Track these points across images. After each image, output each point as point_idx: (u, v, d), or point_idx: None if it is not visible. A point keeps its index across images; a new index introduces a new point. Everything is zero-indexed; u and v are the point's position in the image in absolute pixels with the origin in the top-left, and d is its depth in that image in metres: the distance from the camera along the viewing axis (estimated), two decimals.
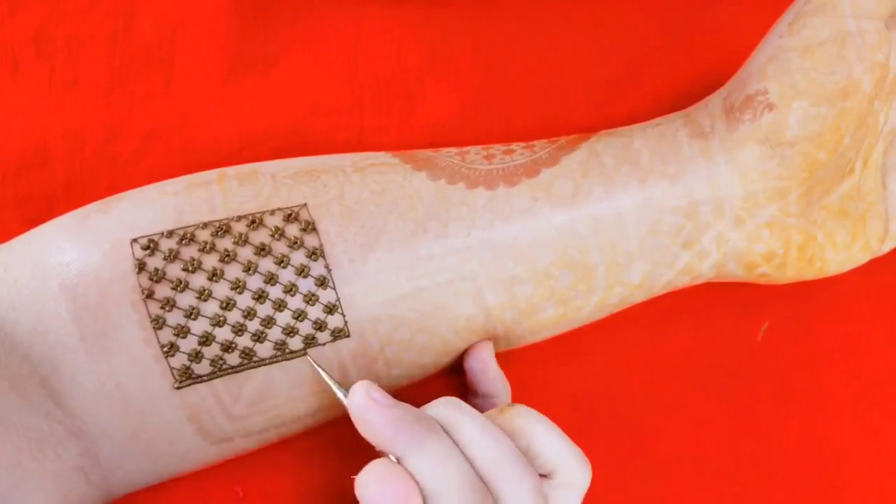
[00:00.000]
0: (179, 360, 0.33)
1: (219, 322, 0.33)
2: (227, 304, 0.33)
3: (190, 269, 0.33)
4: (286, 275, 0.34)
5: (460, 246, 0.35)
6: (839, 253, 0.38)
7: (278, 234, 0.34)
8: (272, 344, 0.34)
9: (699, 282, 0.39)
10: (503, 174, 0.36)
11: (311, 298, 0.34)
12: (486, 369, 0.37)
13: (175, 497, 0.38)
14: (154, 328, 0.33)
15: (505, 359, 0.38)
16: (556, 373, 0.42)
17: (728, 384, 0.42)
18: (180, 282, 0.33)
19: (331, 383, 0.34)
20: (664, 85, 0.44)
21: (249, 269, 0.34)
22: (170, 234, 0.34)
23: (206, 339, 0.33)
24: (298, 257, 0.34)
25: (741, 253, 0.37)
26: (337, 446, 0.40)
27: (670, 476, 0.41)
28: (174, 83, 0.42)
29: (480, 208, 0.36)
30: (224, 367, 0.33)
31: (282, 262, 0.34)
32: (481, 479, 0.32)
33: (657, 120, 0.39)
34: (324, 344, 0.34)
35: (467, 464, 0.31)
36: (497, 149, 0.38)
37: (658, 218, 0.36)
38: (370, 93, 0.43)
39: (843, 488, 0.42)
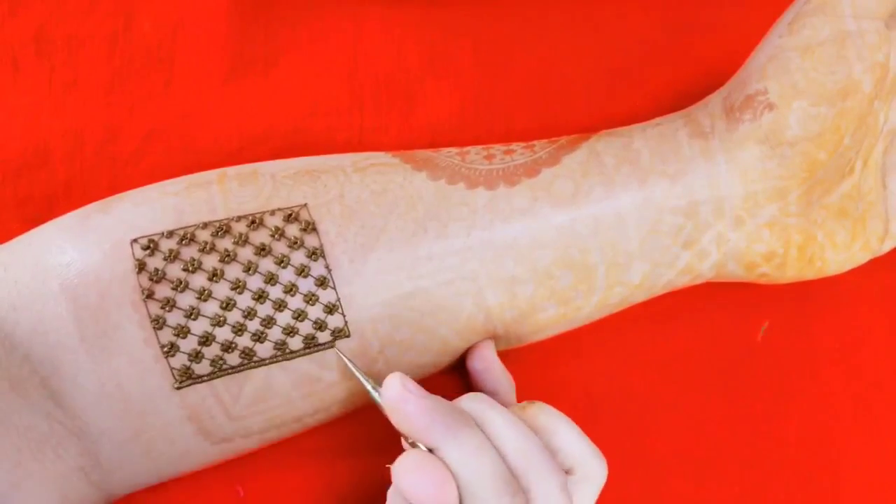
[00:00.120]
0: (179, 360, 0.33)
1: (219, 322, 0.33)
2: (228, 305, 0.33)
3: (190, 269, 0.33)
4: (286, 275, 0.34)
5: (460, 246, 0.35)
6: (839, 253, 0.38)
7: (278, 234, 0.34)
8: (272, 344, 0.34)
9: (699, 282, 0.39)
10: (503, 174, 0.36)
11: (311, 298, 0.34)
12: (491, 368, 0.37)
13: (175, 497, 0.38)
14: (154, 328, 0.33)
15: (505, 358, 0.38)
16: (556, 372, 0.42)
17: (728, 384, 0.42)
18: (180, 282, 0.33)
19: (360, 376, 0.34)
20: (664, 85, 0.44)
21: (249, 269, 0.34)
22: (170, 234, 0.34)
23: (207, 340, 0.33)
24: (298, 257, 0.34)
25: (741, 253, 0.37)
26: (337, 446, 0.40)
27: (670, 476, 0.41)
28: (174, 83, 0.42)
29: (481, 208, 0.36)
30: (224, 367, 0.33)
31: (282, 262, 0.34)
32: (511, 472, 0.32)
33: (657, 120, 0.39)
34: (324, 344, 0.34)
35: (499, 457, 0.32)
36: (497, 149, 0.38)
37: (658, 218, 0.36)
38: (370, 93, 0.43)
39: (843, 488, 0.42)
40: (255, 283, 0.34)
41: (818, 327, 0.43)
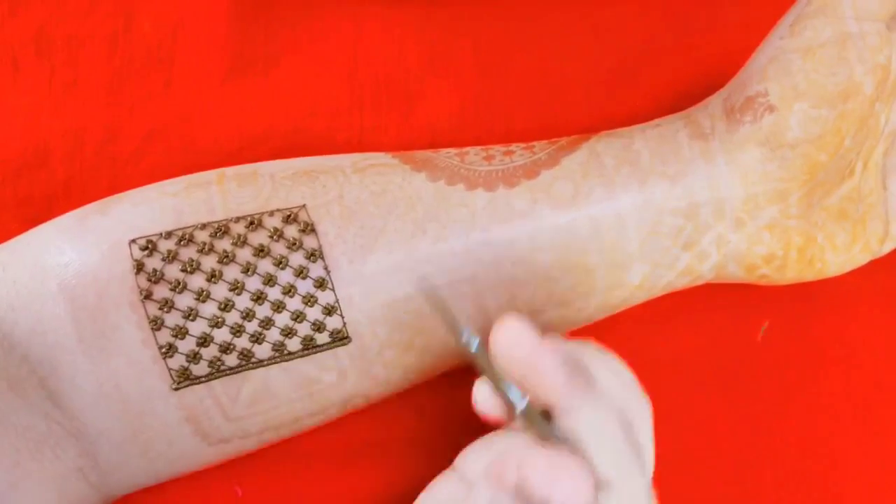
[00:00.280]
0: (177, 361, 0.33)
1: (217, 323, 0.33)
2: (226, 306, 0.33)
3: (188, 270, 0.33)
4: (285, 276, 0.34)
5: (460, 248, 0.35)
6: (839, 254, 0.38)
7: (277, 235, 0.34)
8: (270, 345, 0.34)
9: (699, 283, 0.39)
10: (503, 175, 0.36)
11: (309, 300, 0.34)
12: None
13: (173, 497, 0.38)
14: (152, 329, 0.33)
15: None
16: None
17: (728, 384, 0.42)
18: (179, 283, 0.33)
19: (451, 323, 0.31)
20: (664, 85, 0.44)
21: (248, 270, 0.34)
22: (168, 234, 0.34)
23: (205, 341, 0.33)
24: (297, 258, 0.34)
25: (741, 255, 0.37)
26: (336, 447, 0.40)
27: (670, 476, 0.41)
28: (174, 83, 0.42)
29: (480, 210, 0.35)
30: (222, 368, 0.33)
31: (280, 263, 0.34)
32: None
33: (657, 121, 0.39)
34: (322, 345, 0.34)
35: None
36: (497, 150, 0.38)
37: (658, 219, 0.36)
38: (370, 93, 0.43)
39: (844, 488, 0.42)
40: (253, 284, 0.34)
41: (818, 327, 0.43)
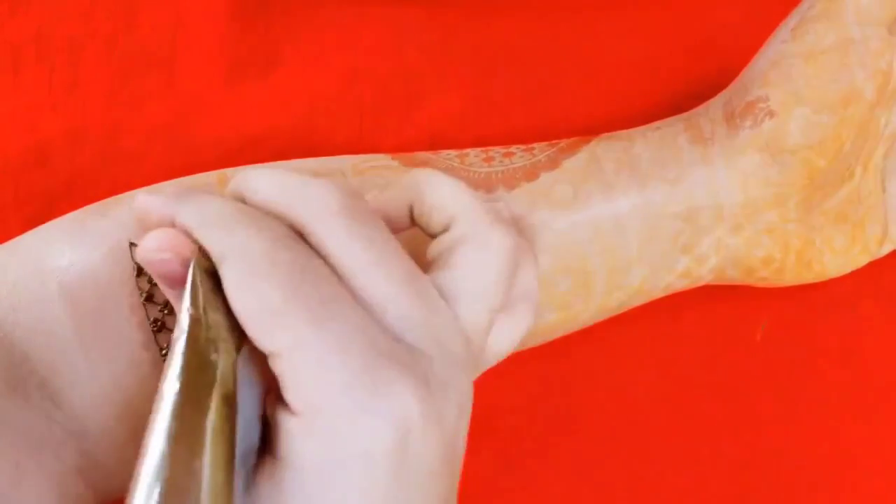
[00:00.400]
0: None
1: None
2: None
3: None
4: None
5: None
6: (837, 257, 0.38)
7: None
8: None
9: (698, 284, 0.39)
10: (502, 177, 0.36)
11: None
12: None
13: None
14: (153, 331, 0.33)
15: (503, 360, 0.38)
16: (556, 372, 0.42)
17: (728, 384, 0.42)
18: None
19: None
20: (665, 86, 0.44)
21: None
22: None
23: None
24: None
25: (740, 258, 0.37)
26: None
27: (670, 476, 0.41)
28: (174, 83, 0.42)
29: None
30: None
31: None
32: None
33: (657, 123, 0.39)
34: None
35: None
36: (496, 151, 0.38)
37: (657, 223, 0.36)
38: (370, 93, 0.43)
39: (844, 488, 0.42)
40: None
41: (818, 327, 0.43)
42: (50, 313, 0.33)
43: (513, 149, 0.38)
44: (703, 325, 0.43)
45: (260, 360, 0.25)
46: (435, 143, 0.42)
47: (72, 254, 0.33)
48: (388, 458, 0.24)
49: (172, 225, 0.26)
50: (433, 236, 0.29)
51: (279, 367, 0.24)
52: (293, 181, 0.27)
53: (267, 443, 0.25)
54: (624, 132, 0.38)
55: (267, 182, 0.27)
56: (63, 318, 0.33)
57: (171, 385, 0.24)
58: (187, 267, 0.25)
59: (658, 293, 0.38)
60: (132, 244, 0.33)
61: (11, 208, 0.40)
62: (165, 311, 0.33)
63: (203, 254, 0.26)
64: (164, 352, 0.33)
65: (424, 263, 0.28)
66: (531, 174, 0.36)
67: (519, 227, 0.33)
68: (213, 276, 0.25)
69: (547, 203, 0.36)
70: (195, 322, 0.25)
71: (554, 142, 0.38)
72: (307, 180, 0.27)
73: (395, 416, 0.24)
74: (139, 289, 0.33)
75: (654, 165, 0.36)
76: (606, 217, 0.36)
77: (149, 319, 0.33)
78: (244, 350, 0.25)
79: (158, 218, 0.27)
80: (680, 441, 0.42)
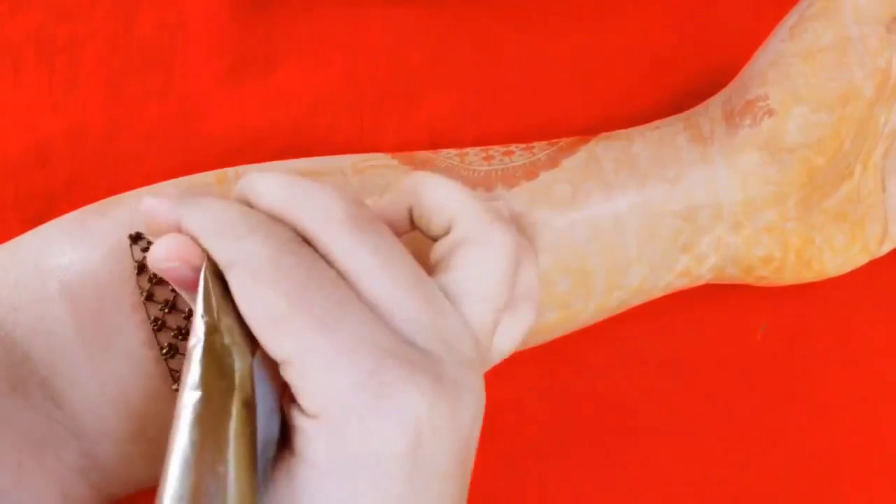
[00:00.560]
0: (179, 362, 0.33)
1: None
2: None
3: None
4: None
5: None
6: (837, 256, 0.38)
7: None
8: None
9: (698, 283, 0.39)
10: (502, 176, 0.36)
11: None
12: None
13: None
14: (154, 330, 0.33)
15: (502, 361, 0.38)
16: (555, 372, 0.42)
17: (727, 384, 0.42)
18: None
19: None
20: (665, 85, 0.44)
21: None
22: None
23: None
24: None
25: (739, 257, 0.37)
26: None
27: (670, 476, 0.41)
28: (174, 83, 0.42)
29: None
30: None
31: None
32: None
33: (657, 123, 0.39)
34: None
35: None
36: (496, 150, 0.38)
37: (657, 222, 0.36)
38: (370, 93, 0.43)
39: (844, 488, 0.42)
40: None
41: (818, 327, 0.43)
42: (50, 313, 0.33)
43: (512, 147, 0.38)
44: (703, 325, 0.43)
45: (273, 360, 0.25)
46: (435, 142, 0.42)
47: (72, 253, 0.33)
48: (399, 460, 0.24)
49: (179, 229, 0.27)
50: (434, 239, 0.29)
51: (289, 375, 0.24)
52: (297, 189, 0.27)
53: (284, 435, 0.26)
54: (623, 131, 0.38)
55: (271, 188, 0.27)
56: (64, 318, 0.33)
57: (191, 394, 0.24)
58: (198, 272, 0.26)
59: (658, 292, 0.38)
60: (132, 240, 0.33)
61: (11, 208, 0.40)
62: (166, 310, 0.33)
63: (212, 258, 0.26)
64: (164, 351, 0.33)
65: (427, 267, 0.28)
66: (531, 173, 0.36)
67: (519, 226, 0.34)
68: (223, 279, 0.26)
69: (546, 202, 0.36)
70: (211, 329, 0.25)
71: (553, 141, 0.38)
72: (311, 188, 0.27)
73: (405, 417, 0.24)
74: (140, 287, 0.33)
75: (654, 164, 0.36)
76: (606, 216, 0.36)
77: (149, 318, 0.33)
78: (258, 352, 0.25)
79: (165, 221, 0.27)
80: (680, 441, 0.42)
